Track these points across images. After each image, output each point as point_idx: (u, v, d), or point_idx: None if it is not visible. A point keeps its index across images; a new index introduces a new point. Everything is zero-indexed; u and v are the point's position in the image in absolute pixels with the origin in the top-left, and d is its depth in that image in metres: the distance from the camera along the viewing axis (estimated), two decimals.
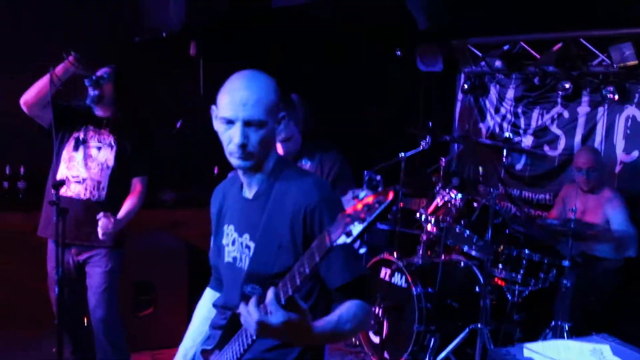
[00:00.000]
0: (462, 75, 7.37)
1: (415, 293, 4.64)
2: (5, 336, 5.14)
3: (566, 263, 4.55)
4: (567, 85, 6.07)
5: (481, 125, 7.23)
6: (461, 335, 4.56)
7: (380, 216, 1.61)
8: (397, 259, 4.90)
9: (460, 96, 7.49)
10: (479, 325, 4.49)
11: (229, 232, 2.34)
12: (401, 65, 6.98)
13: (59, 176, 3.91)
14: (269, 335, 1.88)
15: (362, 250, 1.72)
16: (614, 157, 5.82)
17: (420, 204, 5.58)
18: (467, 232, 4.85)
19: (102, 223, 3.79)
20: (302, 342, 1.91)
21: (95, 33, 5.57)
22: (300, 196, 2.14)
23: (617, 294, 4.82)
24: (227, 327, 2.19)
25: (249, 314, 1.86)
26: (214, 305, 2.43)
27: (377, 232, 5.60)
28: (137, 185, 4.10)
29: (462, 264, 5.04)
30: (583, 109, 6.15)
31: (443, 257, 5.13)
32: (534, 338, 4.51)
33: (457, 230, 4.90)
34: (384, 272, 4.98)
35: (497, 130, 7.01)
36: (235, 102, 2.10)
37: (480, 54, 6.97)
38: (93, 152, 3.97)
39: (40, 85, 3.81)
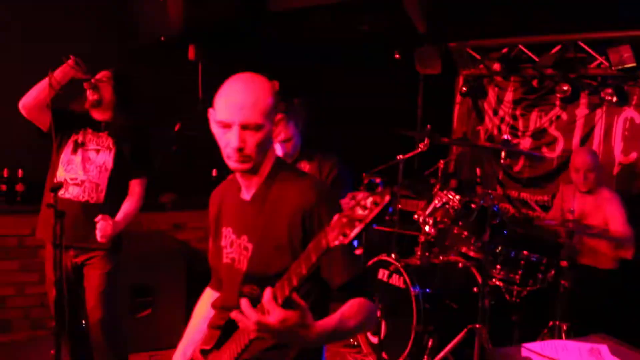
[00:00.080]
0: (461, 78, 7.39)
1: (413, 294, 4.65)
2: (3, 338, 5.15)
3: (564, 264, 4.56)
4: (565, 88, 6.08)
5: (480, 127, 7.24)
6: (460, 336, 4.56)
7: (377, 218, 1.62)
8: (395, 260, 4.91)
9: (458, 98, 7.51)
10: (477, 326, 4.49)
11: (227, 234, 2.34)
12: (400, 67, 6.99)
13: (57, 179, 3.92)
14: (268, 336, 1.88)
15: (358, 252, 1.72)
16: (612, 159, 5.83)
17: (418, 205, 5.59)
18: (466, 233, 4.86)
19: (101, 225, 3.79)
20: (303, 342, 1.91)
21: (94, 37, 5.58)
22: (298, 197, 2.15)
23: (615, 295, 4.82)
24: (225, 327, 2.20)
25: (246, 315, 1.87)
26: (213, 306, 2.44)
27: (375, 233, 5.60)
28: (135, 187, 4.11)
29: (460, 264, 5.05)
30: (581, 111, 6.17)
31: (441, 258, 5.15)
32: (532, 338, 4.51)
33: (455, 231, 4.91)
34: (383, 273, 4.99)
35: (496, 132, 7.02)
36: (231, 105, 2.11)
37: (478, 57, 6.98)
38: (91, 155, 3.98)
39: (39, 89, 3.82)
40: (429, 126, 5.33)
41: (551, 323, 4.61)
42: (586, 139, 6.09)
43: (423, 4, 4.89)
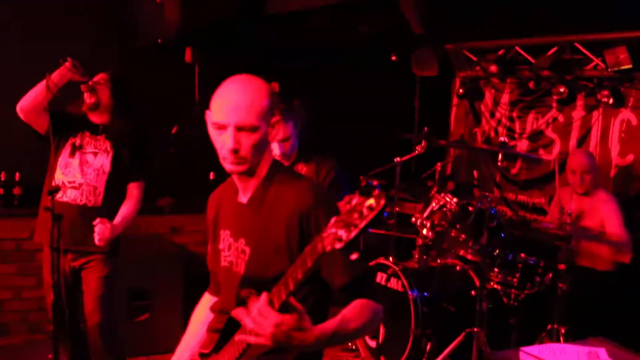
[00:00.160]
0: (458, 80, 7.40)
1: (411, 297, 4.65)
2: (1, 342, 5.14)
3: (562, 266, 4.56)
4: (562, 89, 6.09)
5: (476, 129, 7.25)
6: (458, 339, 4.56)
7: (372, 222, 1.61)
8: (393, 263, 4.91)
9: (455, 101, 7.52)
10: (475, 329, 4.49)
11: (225, 237, 2.34)
12: (396, 69, 6.99)
13: (54, 182, 3.91)
14: (266, 340, 1.88)
15: (354, 257, 1.72)
16: (609, 161, 5.84)
17: (416, 208, 5.59)
18: (463, 236, 4.86)
19: (99, 229, 3.79)
20: (301, 345, 1.90)
21: (93, 37, 5.58)
22: (295, 199, 2.14)
23: (613, 297, 4.83)
24: (224, 330, 2.20)
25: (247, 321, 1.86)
26: (212, 309, 2.44)
27: (373, 236, 5.60)
28: (133, 190, 4.10)
29: (458, 267, 5.05)
30: (578, 113, 6.17)
31: (439, 261, 5.15)
32: (530, 341, 4.51)
33: (453, 234, 4.91)
34: (380, 277, 4.99)
35: (493, 134, 7.03)
36: (227, 106, 2.10)
37: (475, 59, 6.99)
38: (89, 158, 3.97)
39: (36, 91, 3.82)
40: (426, 128, 5.34)
41: (549, 326, 4.61)
42: (583, 140, 6.10)
43: (420, 6, 4.89)
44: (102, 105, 3.98)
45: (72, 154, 3.96)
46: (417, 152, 5.25)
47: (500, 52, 6.63)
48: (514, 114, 6.79)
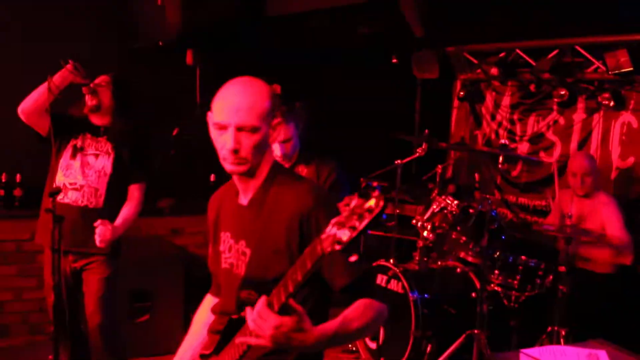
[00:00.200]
0: (458, 82, 7.40)
1: (412, 299, 4.65)
2: (1, 343, 5.14)
3: (562, 269, 4.56)
4: (562, 92, 6.09)
5: (477, 132, 7.25)
6: (458, 341, 4.56)
7: (371, 224, 1.62)
8: (393, 265, 4.91)
9: (456, 103, 7.52)
10: (475, 331, 4.49)
11: (226, 239, 2.34)
12: (397, 72, 7.00)
13: (56, 183, 3.92)
14: (266, 342, 1.88)
15: (353, 259, 1.72)
16: (610, 163, 5.84)
17: (416, 210, 5.59)
18: (464, 238, 4.86)
19: (100, 230, 3.79)
20: (301, 346, 1.90)
21: (94, 37, 5.59)
22: (296, 201, 2.14)
23: (613, 300, 4.83)
24: (224, 332, 2.20)
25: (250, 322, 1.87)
26: (213, 311, 2.44)
27: (374, 238, 5.60)
28: (134, 192, 4.11)
29: (458, 270, 5.05)
30: (579, 116, 6.18)
31: (440, 263, 5.15)
32: (530, 343, 4.51)
33: (454, 236, 4.91)
34: (381, 279, 4.99)
35: (493, 137, 7.03)
36: (228, 107, 2.11)
37: (476, 61, 7.00)
38: (90, 159, 3.98)
39: (37, 93, 3.83)
40: (426, 131, 5.34)
41: (549, 328, 4.61)
42: (584, 143, 6.10)
43: (420, 8, 4.90)
44: (103, 107, 3.98)
45: (73, 156, 3.97)
46: (417, 154, 5.25)
47: (501, 54, 6.63)
48: (515, 117, 6.79)
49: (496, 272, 4.76)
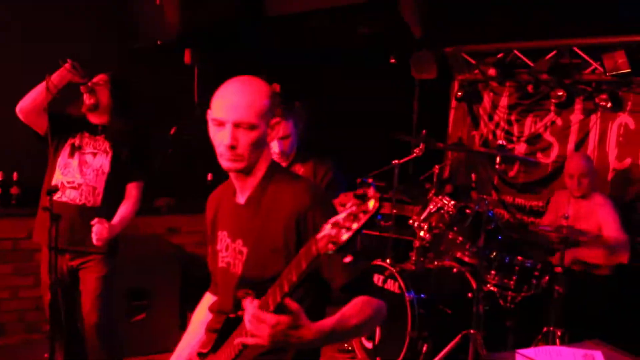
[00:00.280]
0: (456, 83, 7.41)
1: (408, 299, 4.65)
2: None
3: (558, 269, 4.58)
4: (560, 93, 6.10)
5: (475, 132, 7.26)
6: (454, 341, 4.57)
7: (366, 224, 1.62)
8: (390, 265, 4.91)
9: (454, 103, 7.52)
10: (471, 331, 4.50)
11: (223, 238, 2.35)
12: (396, 72, 7.00)
13: (53, 182, 3.92)
14: (264, 341, 1.88)
15: (347, 260, 1.72)
16: (607, 165, 5.85)
17: (413, 210, 5.60)
18: (460, 238, 4.87)
19: (97, 229, 3.79)
20: (299, 343, 1.90)
21: (94, 37, 5.59)
22: (293, 200, 2.15)
23: (609, 300, 4.84)
24: (222, 330, 2.20)
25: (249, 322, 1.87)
26: (210, 309, 2.45)
27: (370, 238, 5.61)
28: (132, 191, 4.11)
29: (455, 270, 5.06)
30: (576, 117, 6.19)
31: (436, 263, 5.15)
32: (526, 344, 4.52)
33: (450, 236, 4.92)
34: (377, 278, 4.98)
35: (491, 137, 7.04)
36: (226, 103, 2.12)
37: (474, 62, 7.01)
38: (88, 158, 3.98)
39: (36, 93, 3.83)
40: (424, 131, 5.34)
41: (545, 329, 4.62)
42: (581, 144, 6.11)
43: (419, 9, 4.90)
44: (101, 106, 3.98)
45: (71, 155, 3.97)
46: (415, 154, 5.25)
47: (499, 55, 6.64)
48: (512, 117, 6.80)
49: (492, 272, 4.77)
